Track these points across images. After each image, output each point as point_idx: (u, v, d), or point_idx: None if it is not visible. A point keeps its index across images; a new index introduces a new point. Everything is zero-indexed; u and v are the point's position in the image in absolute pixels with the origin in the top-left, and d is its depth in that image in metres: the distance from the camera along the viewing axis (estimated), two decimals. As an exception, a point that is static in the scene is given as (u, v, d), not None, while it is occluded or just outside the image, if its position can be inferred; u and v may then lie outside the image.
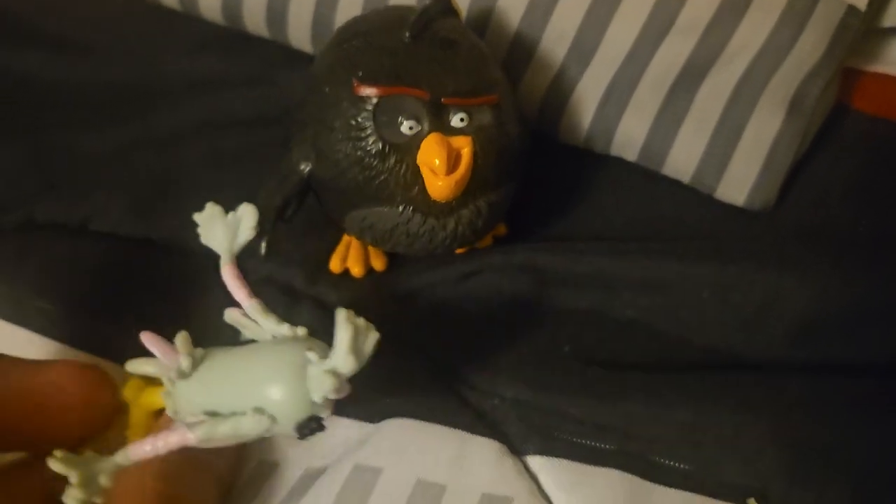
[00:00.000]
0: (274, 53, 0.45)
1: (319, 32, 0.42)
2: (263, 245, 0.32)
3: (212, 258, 0.31)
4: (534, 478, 0.28)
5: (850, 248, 0.35)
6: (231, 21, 0.45)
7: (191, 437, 0.22)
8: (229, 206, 0.35)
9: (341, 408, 0.29)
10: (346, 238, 0.35)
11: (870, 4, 0.38)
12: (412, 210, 0.30)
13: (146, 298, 0.33)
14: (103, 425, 0.26)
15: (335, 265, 0.35)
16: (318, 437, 0.29)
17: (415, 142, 0.29)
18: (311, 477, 0.28)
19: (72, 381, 0.26)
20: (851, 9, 0.37)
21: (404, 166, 0.29)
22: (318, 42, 0.43)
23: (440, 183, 0.29)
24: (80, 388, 0.26)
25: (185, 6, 0.45)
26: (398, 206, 0.30)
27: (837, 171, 0.38)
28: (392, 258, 0.35)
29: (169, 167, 0.39)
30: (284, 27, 0.43)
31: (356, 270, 0.34)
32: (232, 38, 0.45)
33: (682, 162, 0.38)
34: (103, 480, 0.22)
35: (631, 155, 0.39)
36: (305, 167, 0.32)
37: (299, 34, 0.43)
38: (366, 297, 0.34)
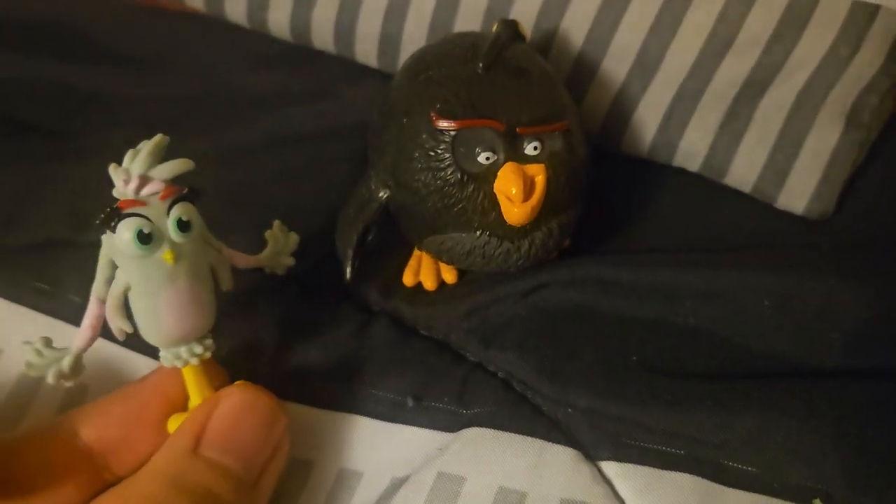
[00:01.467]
0: (337, 69, 0.46)
1: (386, 48, 0.43)
2: (349, 271, 0.34)
3: (274, 278, 0.33)
4: (608, 483, 0.29)
5: (902, 258, 0.36)
6: (298, 37, 0.46)
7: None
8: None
9: (416, 417, 0.32)
10: (417, 252, 0.36)
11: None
12: (489, 234, 0.32)
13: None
14: None
15: (408, 279, 0.36)
16: (400, 446, 0.31)
17: (491, 171, 0.30)
18: (396, 486, 0.30)
19: (171, 382, 0.29)
20: (909, 22, 0.38)
21: (482, 194, 0.31)
22: (385, 58, 0.44)
23: (517, 210, 0.30)
24: (177, 388, 0.29)
25: (252, 23, 0.46)
26: (475, 232, 0.32)
27: (892, 181, 0.39)
28: (463, 271, 0.36)
29: (239, 182, 0.40)
30: (352, 42, 0.44)
31: (429, 284, 0.36)
32: (294, 53, 0.47)
33: (743, 172, 0.39)
34: (65, 365, 0.27)
35: (693, 166, 0.40)
36: (384, 194, 0.33)
37: (366, 49, 0.44)
38: (439, 309, 0.35)
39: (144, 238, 0.26)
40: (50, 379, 0.26)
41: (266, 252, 0.32)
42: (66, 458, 0.27)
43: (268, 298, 0.35)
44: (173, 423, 0.28)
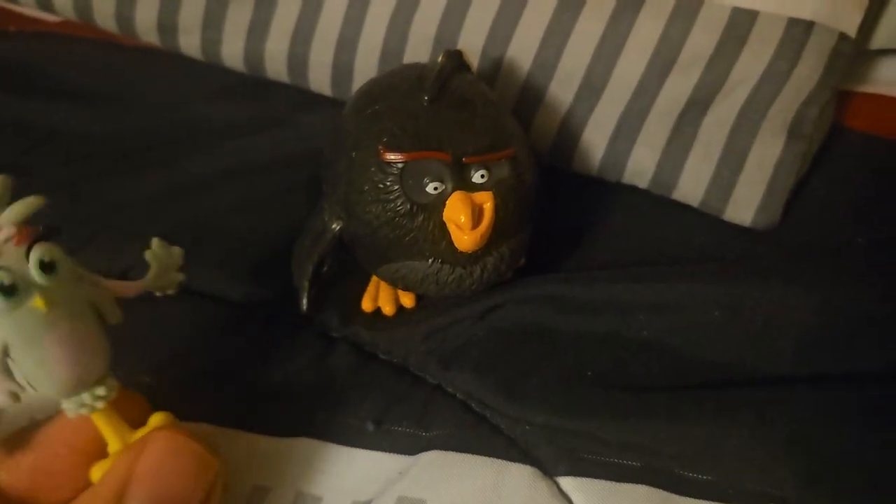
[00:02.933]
0: (292, 97, 0.46)
1: (339, 77, 0.44)
2: (305, 301, 0.34)
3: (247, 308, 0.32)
4: (567, 498, 0.30)
5: (849, 262, 0.37)
6: (252, 68, 0.47)
7: None
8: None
9: (377, 441, 0.32)
10: (375, 278, 0.37)
11: (859, 30, 0.39)
12: (441, 262, 0.32)
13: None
14: None
15: (367, 305, 0.37)
16: (360, 471, 0.31)
17: (440, 200, 0.31)
18: None
19: (76, 433, 0.27)
20: (843, 36, 0.39)
21: (432, 223, 0.31)
22: (338, 87, 0.45)
23: (466, 237, 0.31)
24: (84, 438, 0.27)
25: (207, 56, 0.47)
26: (427, 260, 0.32)
27: (835, 189, 0.40)
28: (420, 295, 0.37)
29: (199, 214, 0.40)
30: (305, 73, 0.45)
31: (387, 309, 0.36)
32: (249, 84, 0.47)
33: (691, 187, 0.40)
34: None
35: (642, 183, 0.41)
36: (338, 226, 0.34)
37: (319, 78, 0.45)
38: (397, 333, 0.35)
39: (8, 290, 0.24)
40: None
41: (150, 273, 0.29)
42: None
43: (227, 327, 0.36)
44: (96, 473, 0.27)
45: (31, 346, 0.25)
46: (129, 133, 0.45)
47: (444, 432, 0.32)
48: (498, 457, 0.31)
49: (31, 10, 0.51)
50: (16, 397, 0.25)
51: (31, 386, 0.25)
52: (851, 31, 0.39)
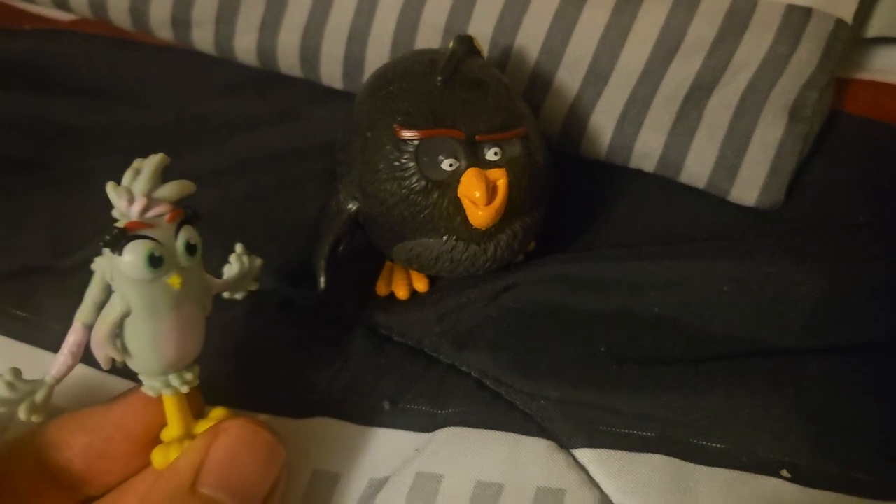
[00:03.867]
0: (303, 91, 0.47)
1: (350, 70, 0.45)
2: (322, 279, 0.35)
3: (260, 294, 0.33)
4: (583, 469, 0.31)
5: (851, 239, 0.38)
6: (265, 63, 0.47)
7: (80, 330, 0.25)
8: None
9: (393, 419, 0.33)
10: (388, 263, 0.38)
11: (855, 17, 0.41)
12: (455, 239, 0.33)
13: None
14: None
15: (381, 289, 0.37)
16: (377, 448, 0.32)
17: (454, 177, 0.32)
18: (375, 487, 0.31)
19: (136, 418, 0.28)
20: (840, 22, 0.40)
21: (446, 200, 0.32)
22: (349, 79, 0.46)
23: (481, 213, 0.32)
24: (143, 424, 0.28)
25: (220, 51, 0.48)
26: (442, 237, 0.33)
27: (836, 170, 0.41)
28: (433, 279, 0.38)
29: (212, 204, 0.40)
30: (317, 66, 0.46)
31: (401, 293, 0.37)
32: (262, 79, 0.48)
33: (696, 169, 0.40)
34: (39, 398, 0.25)
35: (649, 166, 0.42)
36: (353, 206, 0.34)
37: (331, 71, 0.46)
38: (411, 316, 0.36)
39: (156, 261, 0.25)
40: (22, 415, 0.25)
41: (232, 275, 0.31)
42: (33, 482, 0.27)
43: (241, 313, 0.36)
44: (159, 456, 0.27)
45: (152, 319, 0.25)
46: (143, 128, 0.46)
47: (459, 409, 0.32)
48: (514, 431, 0.32)
49: (45, 10, 0.53)
50: (110, 363, 0.26)
51: (131, 356, 0.26)
52: (848, 17, 0.40)
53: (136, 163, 0.26)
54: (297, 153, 0.44)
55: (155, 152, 0.45)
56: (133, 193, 0.25)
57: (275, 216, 0.40)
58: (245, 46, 0.47)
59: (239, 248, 0.31)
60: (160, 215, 0.26)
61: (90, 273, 0.26)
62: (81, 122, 0.46)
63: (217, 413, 0.28)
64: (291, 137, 0.45)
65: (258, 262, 0.32)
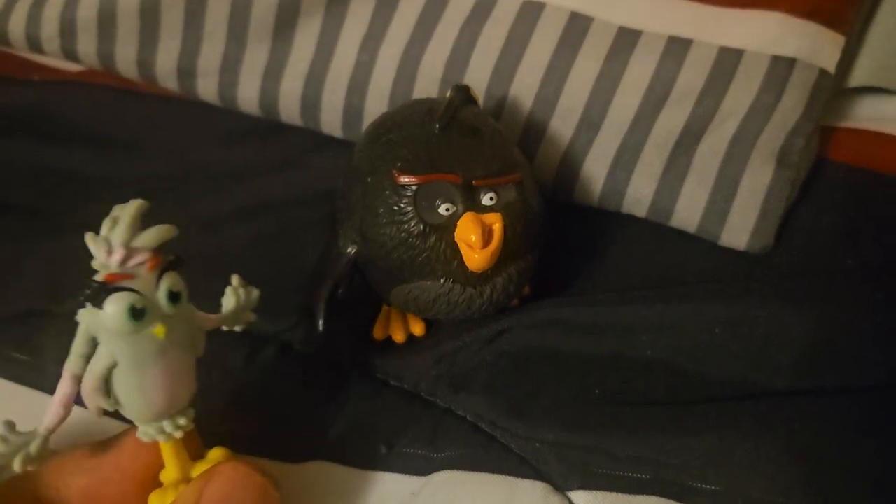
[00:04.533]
0: (304, 140, 0.48)
1: (350, 119, 0.46)
2: (321, 322, 0.35)
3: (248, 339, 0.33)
4: (579, 511, 0.31)
5: (838, 284, 0.39)
6: (267, 112, 0.49)
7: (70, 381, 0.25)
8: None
9: (389, 463, 0.33)
10: (385, 308, 0.38)
11: (837, 67, 0.42)
12: (452, 282, 0.34)
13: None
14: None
15: (378, 333, 0.38)
16: (373, 493, 0.32)
17: (451, 221, 0.33)
18: None
19: (133, 460, 0.28)
20: (823, 72, 0.42)
21: (444, 244, 0.33)
22: (349, 128, 0.47)
23: (477, 256, 0.32)
24: (141, 465, 0.28)
25: (223, 100, 0.49)
26: (440, 280, 0.34)
27: (823, 216, 0.42)
28: (430, 323, 0.38)
29: (213, 250, 0.41)
30: (318, 115, 0.47)
31: (398, 337, 0.38)
32: (264, 127, 0.49)
33: (687, 214, 0.41)
34: (33, 449, 0.25)
35: (641, 211, 0.43)
36: (352, 250, 0.35)
37: (331, 120, 0.47)
38: (408, 360, 0.36)
39: (137, 313, 0.24)
40: (16, 467, 0.25)
41: (229, 308, 0.30)
42: None
43: (240, 357, 0.37)
44: (155, 500, 0.27)
45: (138, 370, 0.25)
46: (145, 176, 0.47)
47: (455, 452, 0.33)
48: (510, 474, 0.32)
49: (54, 61, 0.54)
50: (100, 413, 0.26)
51: (121, 405, 0.26)
52: (830, 67, 0.42)
53: (115, 210, 0.26)
54: (297, 201, 0.45)
55: (157, 200, 0.46)
56: (111, 244, 0.25)
57: (275, 262, 0.41)
58: (248, 95, 0.48)
59: (235, 280, 0.31)
60: (140, 264, 0.25)
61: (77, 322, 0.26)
62: (84, 170, 0.47)
63: (215, 454, 0.28)
64: (292, 185, 0.46)
65: (255, 293, 0.31)
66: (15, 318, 0.38)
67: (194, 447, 0.29)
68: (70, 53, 0.51)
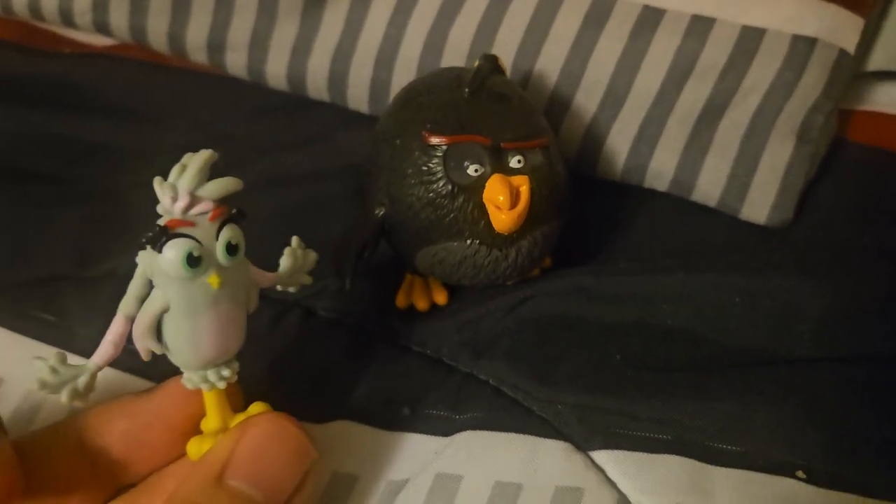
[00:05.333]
0: (331, 117, 0.49)
1: (376, 94, 0.47)
2: (348, 282, 0.35)
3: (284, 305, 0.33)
4: (601, 469, 0.31)
5: (857, 257, 0.39)
6: (295, 87, 0.49)
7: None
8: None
9: (412, 424, 0.33)
10: (408, 277, 0.39)
11: (857, 49, 0.43)
12: (479, 243, 0.34)
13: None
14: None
15: (401, 301, 0.38)
16: (396, 451, 0.33)
17: (479, 182, 0.33)
18: (393, 489, 0.31)
19: (176, 408, 0.29)
20: (843, 52, 0.42)
21: (471, 204, 0.33)
22: (375, 103, 0.47)
23: (504, 216, 0.33)
24: (183, 414, 0.29)
25: (252, 75, 0.50)
26: (466, 240, 0.34)
27: (841, 193, 0.42)
28: (453, 291, 0.39)
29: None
30: (344, 90, 0.48)
31: (421, 305, 0.38)
32: (291, 103, 0.50)
33: (708, 188, 0.42)
34: (81, 383, 0.25)
35: (662, 186, 0.43)
36: (380, 211, 0.36)
37: (357, 95, 0.48)
38: (430, 327, 0.37)
39: (194, 261, 0.25)
40: (64, 398, 0.25)
41: (286, 268, 0.31)
42: (72, 465, 0.28)
43: (265, 322, 0.37)
44: (193, 447, 0.28)
45: (190, 317, 0.26)
46: (169, 148, 0.45)
47: (477, 414, 0.33)
48: (532, 434, 0.32)
49: (85, 35, 0.55)
50: (149, 355, 0.26)
51: (170, 350, 0.27)
52: (850, 48, 0.43)
53: (185, 158, 0.26)
54: (322, 174, 0.45)
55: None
56: (177, 190, 0.26)
57: (299, 231, 0.40)
58: (276, 70, 0.49)
59: (295, 241, 0.31)
60: (203, 213, 0.26)
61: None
62: (111, 141, 0.47)
63: (256, 408, 0.28)
64: (318, 159, 0.46)
65: (312, 255, 0.32)
66: (41, 282, 0.39)
67: (237, 401, 0.29)
68: (102, 26, 0.52)
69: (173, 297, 0.25)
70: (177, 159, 0.46)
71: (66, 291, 0.39)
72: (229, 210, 0.26)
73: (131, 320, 0.26)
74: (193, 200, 0.26)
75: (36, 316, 0.38)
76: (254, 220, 0.42)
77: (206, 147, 0.48)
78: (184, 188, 0.26)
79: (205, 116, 0.50)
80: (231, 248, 0.26)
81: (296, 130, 0.48)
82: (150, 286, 0.26)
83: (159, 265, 0.25)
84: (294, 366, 0.36)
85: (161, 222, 0.25)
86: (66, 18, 0.52)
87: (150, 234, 0.25)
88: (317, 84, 0.48)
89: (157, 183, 0.26)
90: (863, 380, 0.34)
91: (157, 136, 0.48)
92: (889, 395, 0.33)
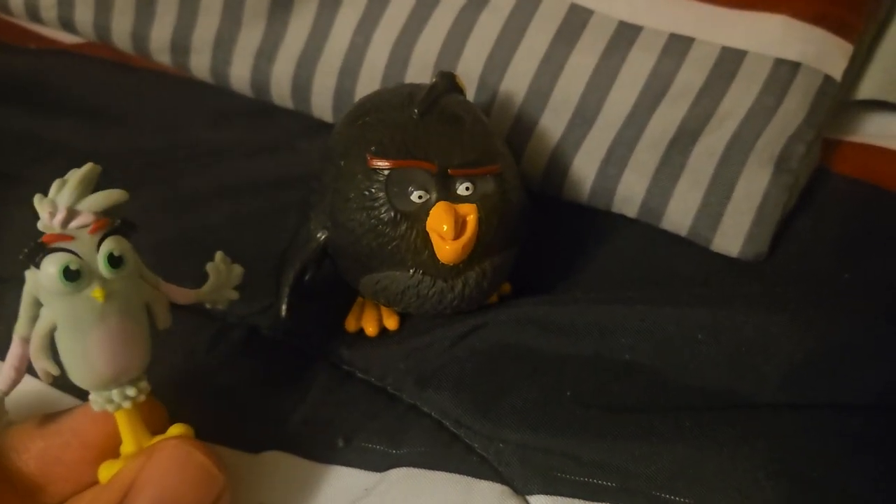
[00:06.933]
0: (294, 124, 0.48)
1: (340, 103, 0.46)
2: (284, 308, 0.35)
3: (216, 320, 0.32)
4: (537, 517, 0.30)
5: (833, 296, 0.37)
6: (258, 93, 0.48)
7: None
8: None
9: (346, 457, 0.32)
10: (360, 299, 0.37)
11: (844, 75, 0.41)
12: (422, 273, 0.33)
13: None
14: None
15: (350, 325, 0.37)
16: (326, 485, 0.31)
17: (424, 210, 0.32)
18: None
19: (94, 426, 0.28)
20: (828, 78, 0.41)
21: (414, 232, 0.32)
22: (339, 112, 0.46)
23: (448, 247, 0.31)
24: (100, 433, 0.28)
25: (216, 78, 0.49)
26: (409, 270, 0.33)
27: (822, 226, 0.41)
28: (404, 317, 0.37)
29: (192, 228, 0.41)
30: (308, 97, 0.47)
31: (370, 330, 0.36)
32: (254, 109, 0.49)
33: (679, 216, 0.40)
34: None
35: (631, 211, 0.42)
36: (322, 235, 0.34)
37: (321, 104, 0.46)
38: (377, 352, 0.36)
39: (71, 275, 0.24)
40: None
41: (208, 285, 0.30)
42: None
43: (206, 339, 0.36)
44: (104, 471, 0.27)
45: (78, 334, 0.25)
46: (131, 151, 0.47)
47: (415, 450, 0.32)
48: (468, 474, 0.31)
49: (52, 31, 0.54)
50: (49, 377, 0.26)
51: (66, 371, 0.26)
52: (836, 74, 0.41)
53: (69, 174, 0.26)
54: (281, 182, 0.44)
55: (140, 174, 0.46)
56: (56, 204, 0.25)
57: (253, 243, 0.40)
58: (240, 74, 0.48)
59: (218, 256, 0.31)
60: (83, 227, 0.25)
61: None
62: (71, 141, 0.47)
63: (175, 430, 0.28)
64: (278, 167, 0.45)
65: (237, 269, 0.31)
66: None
67: (158, 421, 0.29)
68: (67, 23, 0.51)
69: (59, 314, 0.25)
70: (137, 162, 0.46)
71: (10, 296, 0.38)
72: (113, 222, 0.26)
73: (27, 342, 0.26)
74: (71, 214, 0.25)
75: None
76: (207, 230, 0.42)
77: (167, 150, 0.47)
78: (62, 202, 0.25)
79: (167, 119, 0.49)
80: (114, 260, 0.25)
81: (257, 137, 0.48)
82: (38, 305, 0.26)
83: (41, 282, 0.25)
84: (232, 388, 0.35)
85: (40, 239, 0.25)
86: (33, 13, 0.51)
87: (27, 250, 0.25)
88: (281, 90, 0.47)
89: (36, 199, 0.26)
90: (831, 431, 0.32)
91: (118, 138, 0.47)
92: (858, 450, 0.31)
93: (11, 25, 0.55)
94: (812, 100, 0.40)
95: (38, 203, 0.26)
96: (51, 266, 0.24)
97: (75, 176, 0.26)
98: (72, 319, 0.25)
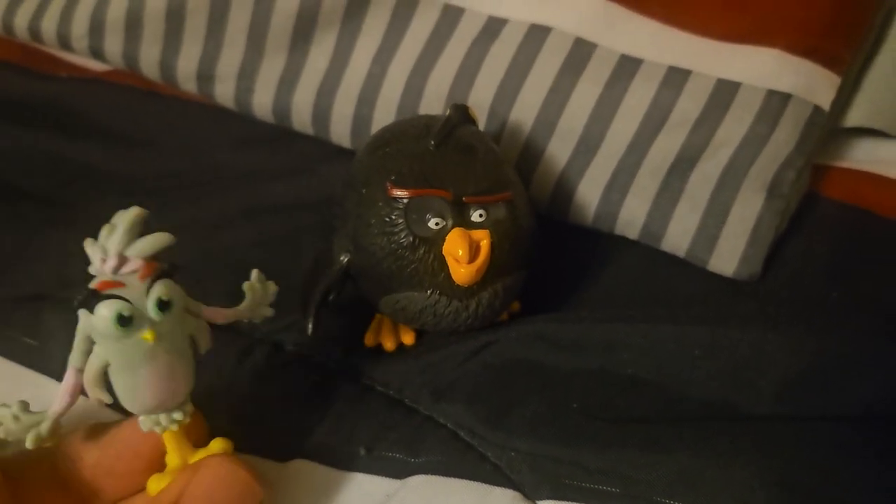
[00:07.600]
0: (314, 149, 0.50)
1: (358, 129, 0.48)
2: (310, 326, 0.36)
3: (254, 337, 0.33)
4: (548, 521, 0.31)
5: (823, 315, 0.39)
6: (280, 119, 0.50)
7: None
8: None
9: (367, 465, 0.34)
10: (378, 316, 0.39)
11: (832, 106, 0.43)
12: (439, 294, 0.35)
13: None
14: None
15: (369, 340, 0.39)
16: (349, 492, 0.33)
17: (440, 235, 0.34)
18: None
19: (144, 439, 0.30)
20: (817, 108, 0.43)
21: (432, 256, 0.34)
22: (357, 138, 0.48)
23: (463, 270, 0.33)
24: (151, 444, 0.30)
25: (239, 106, 0.51)
26: (426, 291, 0.35)
27: (812, 248, 0.43)
28: (420, 333, 0.39)
29: (217, 249, 0.43)
30: (328, 124, 0.49)
31: (388, 345, 0.39)
32: (276, 135, 0.51)
33: (678, 238, 0.42)
34: (44, 429, 0.27)
35: (633, 234, 0.44)
36: (345, 258, 0.36)
37: (340, 131, 0.49)
38: (395, 367, 0.38)
39: (124, 321, 0.25)
40: (29, 444, 0.27)
41: (245, 303, 0.31)
42: (45, 490, 0.29)
43: (233, 355, 0.38)
44: (153, 484, 0.29)
45: (128, 371, 0.27)
46: (159, 174, 0.49)
47: (432, 458, 0.34)
48: (483, 481, 0.33)
49: (82, 59, 0.56)
50: (103, 404, 0.28)
51: (117, 399, 0.28)
52: (825, 104, 0.43)
53: (115, 217, 0.27)
54: (303, 205, 0.46)
55: (168, 198, 0.47)
56: (106, 251, 0.26)
57: (277, 263, 0.41)
58: (262, 102, 0.50)
59: (254, 275, 0.32)
60: (133, 272, 0.26)
61: None
62: (101, 165, 0.48)
63: (216, 444, 0.30)
64: (299, 190, 0.47)
65: (272, 287, 0.32)
66: (24, 302, 0.40)
67: (200, 434, 0.30)
68: (97, 52, 0.53)
69: (111, 354, 0.27)
70: (164, 185, 0.47)
71: (49, 315, 0.40)
72: (161, 266, 0.27)
73: (81, 372, 0.27)
74: (122, 260, 0.26)
75: (19, 339, 0.39)
76: (232, 251, 0.43)
77: (193, 175, 0.49)
78: (113, 249, 0.26)
79: (193, 144, 0.51)
80: (162, 304, 0.26)
81: (279, 162, 0.49)
82: (91, 341, 0.27)
83: (94, 325, 0.26)
84: (259, 401, 0.37)
85: (92, 284, 0.26)
86: (64, 42, 0.53)
87: (81, 296, 0.26)
88: (301, 118, 0.49)
89: (87, 244, 0.27)
90: (822, 441, 0.34)
91: (145, 163, 0.49)
92: (849, 459, 0.33)
93: (43, 54, 0.57)
94: (802, 129, 0.42)
95: (90, 248, 0.27)
96: (105, 312, 0.25)
97: (124, 222, 0.27)
98: (123, 359, 0.27)
